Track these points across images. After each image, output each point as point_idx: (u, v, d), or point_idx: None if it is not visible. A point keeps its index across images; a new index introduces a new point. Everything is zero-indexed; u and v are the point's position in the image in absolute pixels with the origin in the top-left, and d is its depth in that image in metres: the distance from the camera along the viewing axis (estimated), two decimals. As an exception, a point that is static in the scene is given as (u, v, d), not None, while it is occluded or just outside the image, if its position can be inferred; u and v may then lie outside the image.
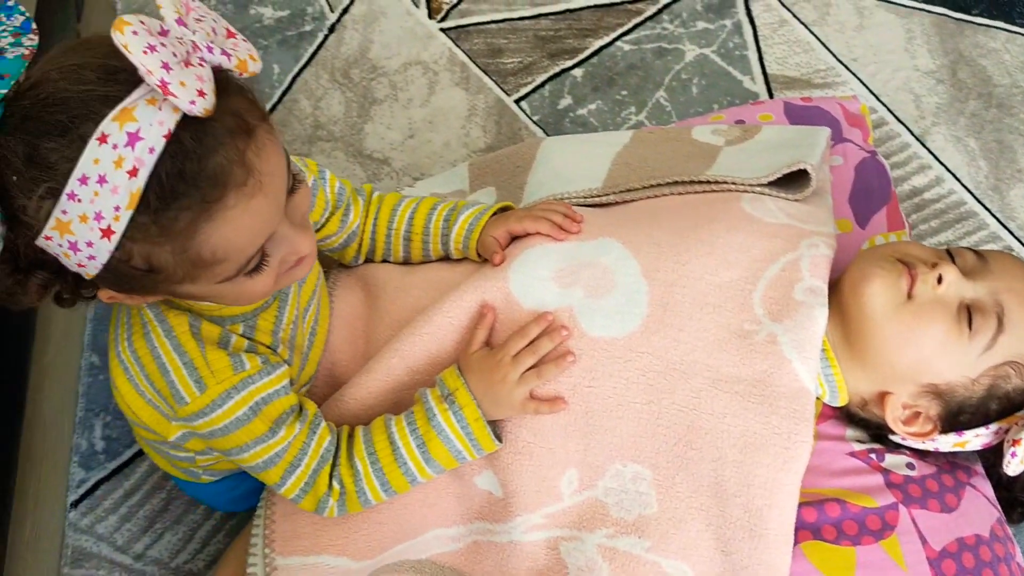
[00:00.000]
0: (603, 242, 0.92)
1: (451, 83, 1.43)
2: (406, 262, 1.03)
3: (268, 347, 0.87)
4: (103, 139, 0.63)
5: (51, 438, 1.17)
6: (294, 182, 0.76)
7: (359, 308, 1.00)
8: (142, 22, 0.63)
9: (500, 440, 0.88)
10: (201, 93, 0.64)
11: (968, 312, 0.86)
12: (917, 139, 1.30)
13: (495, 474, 0.90)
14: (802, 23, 1.42)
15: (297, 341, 0.91)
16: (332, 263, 1.07)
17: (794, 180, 1.00)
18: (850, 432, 0.95)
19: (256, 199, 0.68)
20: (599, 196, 1.04)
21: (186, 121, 0.64)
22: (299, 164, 0.94)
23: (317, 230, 0.98)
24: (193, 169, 0.65)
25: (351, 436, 0.89)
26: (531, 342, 0.87)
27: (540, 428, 0.88)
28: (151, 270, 0.69)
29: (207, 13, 0.69)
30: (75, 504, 1.13)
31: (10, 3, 0.69)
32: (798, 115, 1.18)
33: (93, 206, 0.64)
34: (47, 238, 0.66)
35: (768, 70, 1.38)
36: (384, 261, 1.03)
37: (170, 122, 0.64)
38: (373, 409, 0.91)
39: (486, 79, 1.43)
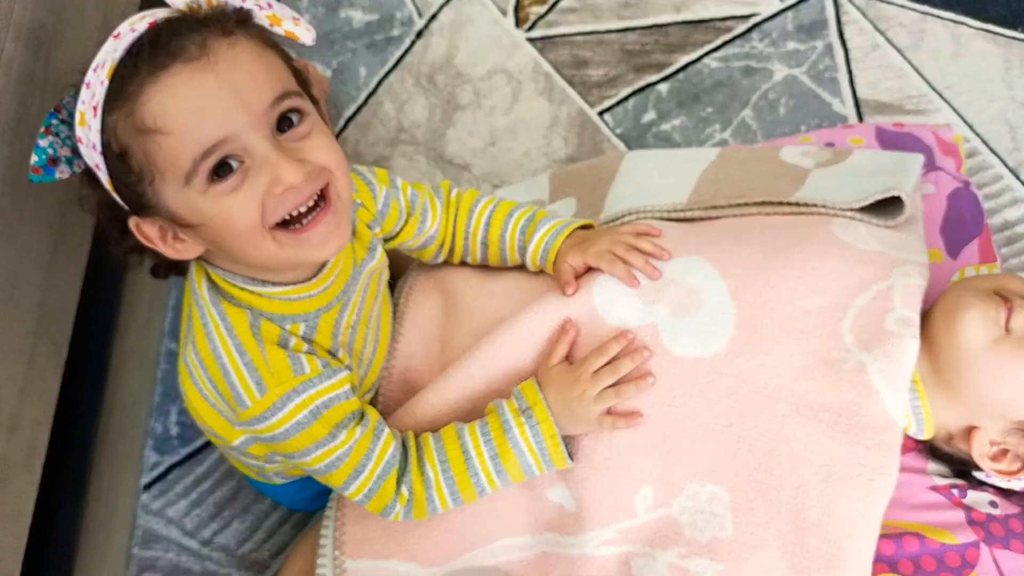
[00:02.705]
0: (690, 260, 0.91)
1: (535, 93, 1.43)
2: (483, 265, 1.03)
3: (328, 351, 0.87)
4: (117, 35, 0.73)
5: (128, 421, 1.20)
6: (295, 120, 0.77)
7: (435, 313, 1.00)
8: None
9: (572, 458, 0.88)
10: None
11: None
12: (1011, 171, 1.27)
13: (568, 488, 0.89)
14: (895, 48, 1.39)
15: (356, 347, 0.91)
16: (406, 265, 1.08)
17: (886, 207, 0.98)
18: (932, 466, 0.93)
19: (204, 75, 0.72)
20: (683, 212, 1.03)
21: (170, 16, 0.74)
22: (367, 173, 0.95)
23: (392, 238, 0.98)
24: (158, 41, 0.72)
25: (420, 444, 0.89)
26: (611, 360, 0.87)
27: (617, 444, 0.87)
28: (122, 152, 0.74)
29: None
30: (147, 487, 1.15)
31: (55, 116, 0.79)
32: (890, 141, 1.15)
33: (90, 89, 0.73)
34: (79, 140, 0.75)
35: (859, 94, 1.36)
36: (463, 263, 1.04)
37: (160, 14, 0.74)
38: (449, 416, 0.91)
39: (570, 90, 1.43)
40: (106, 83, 0.72)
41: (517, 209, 1.00)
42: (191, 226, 0.77)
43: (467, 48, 1.48)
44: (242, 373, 0.81)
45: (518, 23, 1.50)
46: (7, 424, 0.82)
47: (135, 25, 0.73)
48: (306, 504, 1.08)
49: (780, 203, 0.99)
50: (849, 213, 0.97)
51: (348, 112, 1.44)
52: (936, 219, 1.07)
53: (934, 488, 0.90)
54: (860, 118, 1.33)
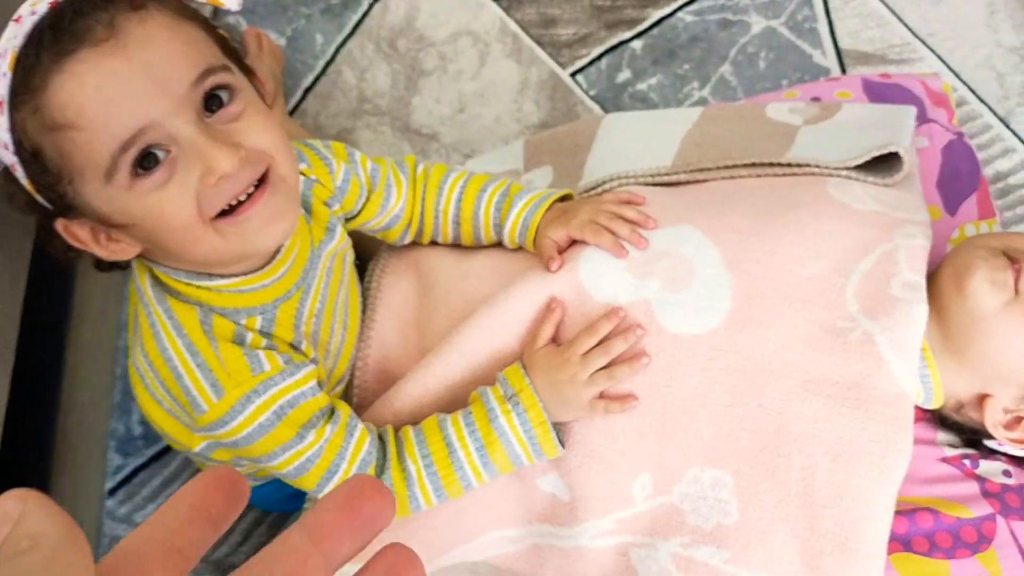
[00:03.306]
0: (680, 229, 0.86)
1: (503, 55, 1.36)
2: (455, 245, 0.96)
3: (290, 344, 0.80)
4: (18, 19, 0.65)
5: (87, 423, 1.13)
6: (224, 97, 0.69)
7: (410, 296, 0.94)
8: None
9: (563, 446, 0.82)
10: None
11: None
12: (1001, 120, 1.22)
13: (561, 477, 0.84)
14: (876, -6, 1.34)
15: (321, 337, 0.84)
16: (375, 247, 1.01)
17: (882, 164, 0.93)
18: (941, 436, 0.89)
19: (113, 59, 0.64)
20: (668, 176, 0.97)
21: None
22: (321, 148, 0.88)
23: (353, 217, 0.91)
24: (60, 24, 0.64)
25: (399, 437, 0.83)
26: (602, 340, 0.81)
27: (612, 430, 0.82)
28: (34, 151, 0.66)
29: None
30: (112, 491, 1.09)
31: None
32: (878, 93, 1.10)
33: None
34: None
35: (840, 44, 1.30)
36: (433, 243, 0.97)
37: None
38: (430, 407, 0.85)
39: (539, 51, 1.35)
40: (9, 75, 0.64)
41: (490, 184, 0.93)
42: (122, 226, 0.69)
43: (429, 9, 1.40)
44: (196, 375, 0.74)
45: (481, -19, 1.42)
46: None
47: (36, 6, 0.65)
48: (281, 505, 1.02)
49: (771, 164, 0.94)
50: (844, 172, 0.91)
51: (305, 83, 1.36)
52: (932, 174, 1.02)
53: (945, 460, 0.86)
54: (843, 69, 1.28)
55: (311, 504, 0.89)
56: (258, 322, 0.78)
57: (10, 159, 0.67)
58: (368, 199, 0.90)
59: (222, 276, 0.76)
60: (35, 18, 0.65)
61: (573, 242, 0.88)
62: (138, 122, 0.65)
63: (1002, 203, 1.15)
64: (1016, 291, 0.80)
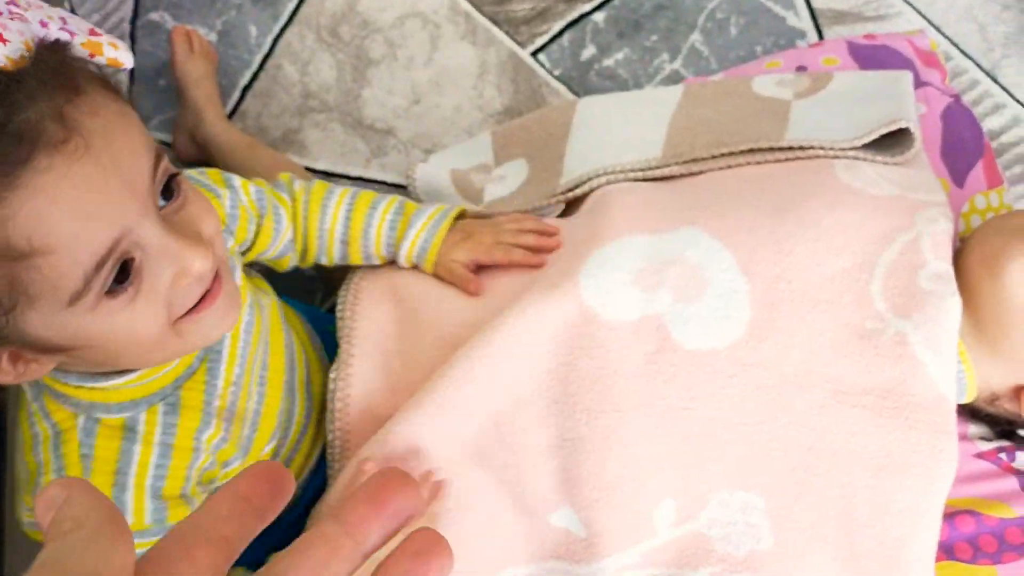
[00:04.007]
0: (684, 232, 0.78)
1: (456, 36, 1.26)
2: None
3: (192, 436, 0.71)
4: None
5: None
6: (174, 185, 0.60)
7: (390, 326, 0.85)
8: None
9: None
10: (2, 40, 0.52)
11: None
12: (987, 74, 1.16)
13: (575, 512, 0.77)
14: (846, -53, 1.26)
15: (239, 407, 0.74)
16: (338, 274, 0.92)
17: (888, 138, 0.87)
18: (973, 429, 0.83)
19: (83, 165, 0.53)
20: (660, 168, 0.89)
21: None
22: (201, 176, 0.78)
23: (248, 249, 0.82)
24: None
25: None
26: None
27: (629, 459, 0.74)
28: None
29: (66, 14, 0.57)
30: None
31: None
32: (866, 57, 1.03)
33: None
34: None
35: (813, 4, 1.23)
36: (318, 266, 0.89)
37: None
38: (429, 449, 0.77)
39: (495, 30, 1.26)
40: None
41: (380, 200, 0.86)
42: (63, 349, 0.59)
43: (371, -8, 1.30)
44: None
45: (424, -43, 1.32)
46: None
47: None
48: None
49: (770, 149, 0.86)
50: (851, 152, 0.84)
51: (243, 81, 1.25)
52: (935, 143, 0.96)
53: (980, 455, 0.80)
54: (819, 31, 1.20)
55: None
56: (159, 413, 0.68)
57: None
58: (260, 225, 0.81)
59: (120, 373, 0.65)
60: None
61: (481, 267, 0.83)
62: (114, 232, 0.55)
63: (999, 162, 1.10)
64: None
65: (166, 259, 0.58)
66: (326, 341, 0.92)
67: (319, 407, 0.84)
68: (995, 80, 1.16)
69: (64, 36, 0.57)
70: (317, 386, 0.85)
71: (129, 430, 0.66)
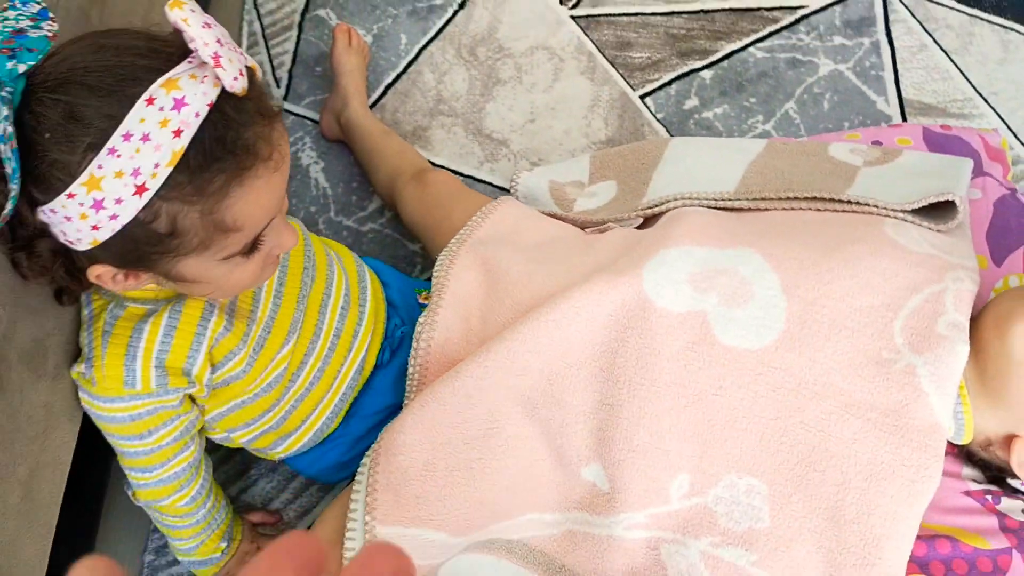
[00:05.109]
0: (741, 251, 0.91)
1: (576, 71, 1.42)
2: (526, 250, 1.03)
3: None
4: (150, 101, 0.68)
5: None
6: None
7: (477, 289, 0.99)
8: (192, 9, 0.67)
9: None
10: (241, 73, 0.70)
11: None
12: (1054, 182, 1.27)
13: (604, 468, 0.89)
14: (943, 50, 1.38)
15: (240, 306, 0.90)
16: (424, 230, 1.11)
17: (937, 209, 0.98)
18: (967, 471, 0.93)
19: (276, 175, 0.75)
20: (732, 200, 1.02)
21: (224, 96, 0.70)
22: None
23: None
24: (232, 137, 0.71)
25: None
26: None
27: (659, 429, 0.87)
28: (171, 233, 0.72)
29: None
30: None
31: None
32: (937, 143, 1.15)
33: (132, 162, 0.68)
34: (70, 195, 0.68)
35: (904, 94, 1.35)
36: (501, 245, 1.04)
37: (212, 95, 0.69)
38: (489, 389, 0.91)
39: (612, 71, 1.41)
40: (167, 172, 0.68)
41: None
42: (183, 280, 0.78)
43: (510, 22, 1.47)
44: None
45: (563, 0, 1.49)
46: (51, 373, 0.82)
47: (188, 119, 0.68)
48: (328, 475, 1.08)
49: (831, 199, 0.99)
50: (901, 214, 0.96)
51: (387, 79, 1.43)
52: (982, 225, 1.06)
53: (968, 493, 0.90)
54: (904, 118, 1.32)
55: (366, 468, 0.95)
56: (170, 306, 0.85)
57: (114, 226, 0.70)
58: None
59: None
60: (198, 121, 0.68)
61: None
62: (270, 218, 0.78)
63: (1047, 261, 1.20)
64: None
65: (274, 234, 0.80)
66: (409, 303, 1.08)
67: (342, 346, 0.99)
68: (1060, 187, 1.26)
69: (246, 61, 0.74)
70: (349, 323, 1.00)
71: (145, 318, 0.84)
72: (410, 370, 0.96)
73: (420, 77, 1.43)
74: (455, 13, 1.49)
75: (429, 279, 1.15)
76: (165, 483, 0.92)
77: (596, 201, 1.15)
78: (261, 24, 1.48)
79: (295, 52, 1.47)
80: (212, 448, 1.14)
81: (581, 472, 0.91)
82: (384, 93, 1.42)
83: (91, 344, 0.84)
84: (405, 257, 1.27)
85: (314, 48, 1.46)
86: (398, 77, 1.43)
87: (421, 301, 1.10)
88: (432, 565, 0.89)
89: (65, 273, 0.78)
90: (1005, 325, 0.86)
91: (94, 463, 1.00)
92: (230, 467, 1.14)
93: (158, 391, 0.85)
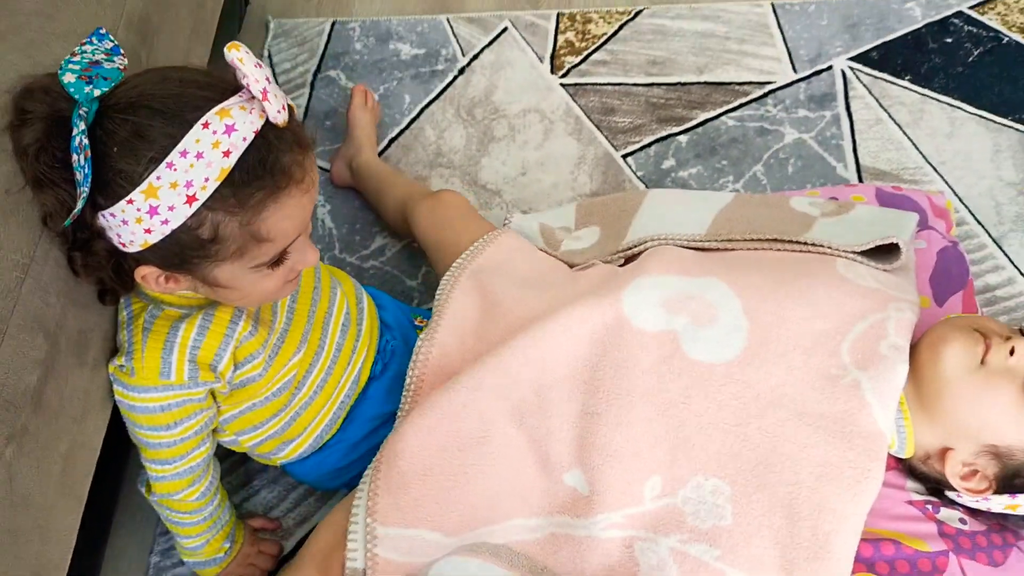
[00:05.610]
0: (709, 280, 1.02)
1: (565, 132, 1.55)
2: (519, 278, 1.14)
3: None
4: (206, 125, 0.79)
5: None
6: None
7: (472, 312, 1.10)
8: (247, 52, 0.80)
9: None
10: (284, 108, 0.83)
11: None
12: (994, 241, 1.39)
13: (583, 473, 0.99)
14: (896, 124, 1.53)
15: (262, 316, 1.00)
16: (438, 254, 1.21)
17: (884, 253, 1.10)
18: (910, 484, 1.03)
19: (305, 197, 0.87)
20: (701, 241, 1.14)
21: (267, 126, 0.82)
22: None
23: None
24: (272, 160, 0.82)
25: None
26: None
27: (633, 435, 0.97)
28: (213, 239, 0.83)
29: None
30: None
31: (102, 31, 0.87)
32: (888, 200, 1.28)
33: (186, 175, 0.79)
34: (130, 201, 0.80)
35: (861, 161, 1.49)
36: (499, 274, 1.14)
37: (258, 124, 0.81)
38: (482, 401, 1.00)
39: (597, 133, 1.55)
40: (215, 186, 0.79)
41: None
42: (215, 285, 0.89)
43: (505, 87, 1.61)
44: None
45: (553, 69, 1.63)
46: (91, 364, 0.91)
47: (236, 142, 0.80)
48: (327, 481, 1.16)
49: (790, 241, 1.11)
50: (851, 255, 1.08)
51: (392, 133, 1.56)
52: (926, 270, 1.19)
53: (911, 503, 1.00)
54: (861, 181, 1.46)
55: (369, 475, 1.03)
56: (203, 311, 0.95)
57: (163, 230, 0.81)
58: None
59: None
60: (244, 144, 0.80)
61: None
62: (297, 234, 0.89)
63: (988, 311, 1.31)
64: (983, 362, 0.96)
65: (298, 252, 0.90)
66: (402, 324, 1.19)
67: (342, 358, 1.09)
68: (999, 247, 1.39)
69: (287, 99, 0.86)
70: (349, 339, 1.10)
71: (181, 319, 0.94)
72: (407, 381, 1.06)
73: (422, 133, 1.56)
74: (455, 78, 1.63)
75: (425, 308, 1.26)
76: (182, 476, 1.01)
77: (581, 244, 1.27)
78: (277, 82, 1.61)
79: (307, 107, 1.60)
80: (219, 456, 1.22)
81: (564, 478, 1.00)
82: (388, 145, 1.55)
83: (131, 339, 0.94)
84: (403, 292, 1.38)
85: (324, 104, 1.60)
86: (401, 132, 1.57)
87: (417, 324, 1.20)
88: (427, 564, 0.97)
89: (113, 272, 0.88)
90: (936, 347, 0.98)
91: (108, 472, 1.08)
92: (234, 478, 1.22)
93: (189, 383, 0.94)
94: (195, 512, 1.05)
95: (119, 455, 1.20)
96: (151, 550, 1.18)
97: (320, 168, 1.51)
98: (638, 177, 1.49)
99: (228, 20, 1.53)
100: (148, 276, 0.87)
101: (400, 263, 1.42)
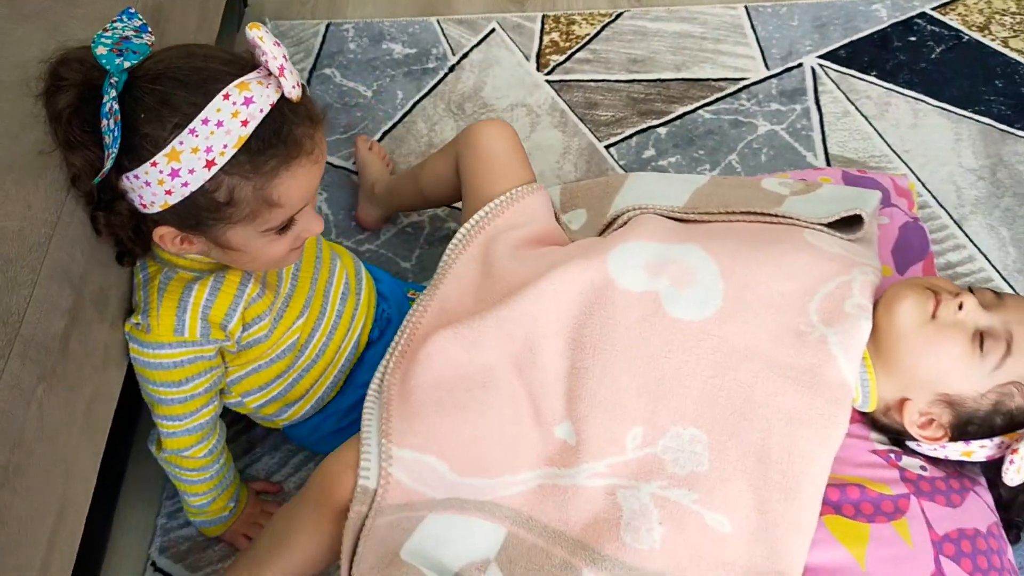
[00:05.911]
0: (687, 246, 1.10)
1: (550, 125, 1.63)
2: (519, 246, 1.19)
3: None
4: (226, 96, 0.87)
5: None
6: None
7: (472, 276, 1.16)
8: (267, 31, 0.88)
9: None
10: (298, 84, 0.90)
11: (981, 336, 1.02)
12: (955, 222, 1.48)
13: (572, 424, 1.06)
14: (863, 116, 1.62)
15: (269, 280, 1.06)
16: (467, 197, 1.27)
17: (849, 225, 1.18)
18: (874, 435, 1.10)
19: (314, 168, 0.94)
20: (679, 212, 1.22)
21: (282, 100, 0.89)
22: None
23: None
24: (286, 131, 0.89)
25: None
26: None
27: (617, 388, 1.04)
28: (228, 202, 0.90)
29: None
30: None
31: (131, 10, 0.94)
32: (854, 181, 1.36)
33: (206, 141, 0.87)
34: (153, 164, 0.87)
35: (830, 150, 1.57)
36: (499, 242, 1.19)
37: (273, 97, 0.89)
38: (484, 351, 1.07)
39: (581, 126, 1.63)
40: (233, 152, 0.87)
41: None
42: (227, 247, 0.95)
43: (493, 84, 1.69)
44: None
45: (539, 67, 1.72)
46: (110, 320, 0.97)
47: (253, 113, 0.87)
48: (325, 443, 1.21)
49: (762, 214, 1.19)
50: (818, 226, 1.16)
51: (385, 127, 1.64)
52: (889, 242, 1.27)
53: (875, 452, 1.07)
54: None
55: (382, 396, 1.08)
56: (215, 274, 1.02)
57: (183, 192, 0.88)
58: None
59: None
60: (261, 116, 0.87)
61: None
62: (305, 203, 0.96)
63: (949, 285, 1.40)
64: (933, 316, 1.03)
65: (304, 220, 0.98)
66: (396, 295, 1.26)
67: (342, 325, 1.16)
68: (960, 227, 1.48)
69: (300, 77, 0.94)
70: (348, 306, 1.17)
71: (194, 280, 1.01)
72: (404, 322, 1.13)
73: (414, 126, 1.64)
74: (445, 75, 1.71)
75: (420, 284, 1.33)
76: (191, 432, 1.07)
77: (573, 227, 1.34)
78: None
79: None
80: (224, 420, 1.29)
81: (554, 430, 1.07)
82: (382, 138, 1.62)
83: (147, 298, 1.00)
84: (398, 272, 1.45)
85: (320, 100, 1.67)
86: (394, 125, 1.64)
87: (410, 296, 1.27)
88: (432, 498, 1.03)
89: (132, 233, 0.95)
90: (891, 304, 1.05)
91: (117, 445, 1.14)
92: (237, 445, 1.28)
93: (201, 340, 1.00)
94: (202, 469, 1.11)
95: (131, 418, 1.26)
96: (158, 512, 1.23)
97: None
98: (620, 166, 1.57)
99: (228, 21, 1.61)
100: (165, 236, 0.94)
101: (394, 246, 1.49)
